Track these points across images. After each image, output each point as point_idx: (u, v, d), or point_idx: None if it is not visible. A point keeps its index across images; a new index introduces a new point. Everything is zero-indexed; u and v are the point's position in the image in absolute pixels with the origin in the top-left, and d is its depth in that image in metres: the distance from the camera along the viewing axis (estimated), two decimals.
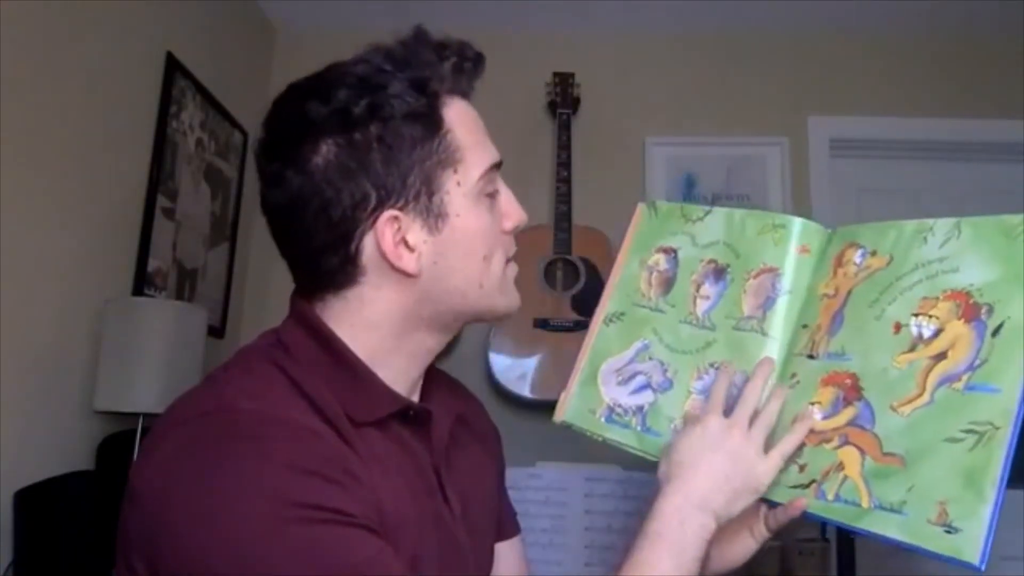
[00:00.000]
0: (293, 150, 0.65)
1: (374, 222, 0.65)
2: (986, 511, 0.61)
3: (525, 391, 2.14)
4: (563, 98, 2.37)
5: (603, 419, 0.86)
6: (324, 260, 0.66)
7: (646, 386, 0.85)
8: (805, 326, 0.79)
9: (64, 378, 1.56)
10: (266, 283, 2.35)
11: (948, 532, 0.62)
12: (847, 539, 1.23)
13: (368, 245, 0.66)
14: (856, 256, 0.79)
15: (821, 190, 2.40)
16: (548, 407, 0.93)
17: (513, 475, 1.39)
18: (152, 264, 1.82)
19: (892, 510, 0.66)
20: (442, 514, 0.70)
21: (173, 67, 1.91)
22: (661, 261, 0.90)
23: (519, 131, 2.44)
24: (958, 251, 0.72)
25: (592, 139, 2.42)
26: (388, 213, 0.65)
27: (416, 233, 0.66)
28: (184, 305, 1.82)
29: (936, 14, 2.38)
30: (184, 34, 1.97)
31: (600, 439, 0.86)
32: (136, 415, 1.52)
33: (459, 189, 0.68)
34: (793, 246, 0.82)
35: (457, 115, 0.69)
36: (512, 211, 0.73)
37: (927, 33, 2.46)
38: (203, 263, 2.09)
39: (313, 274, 0.68)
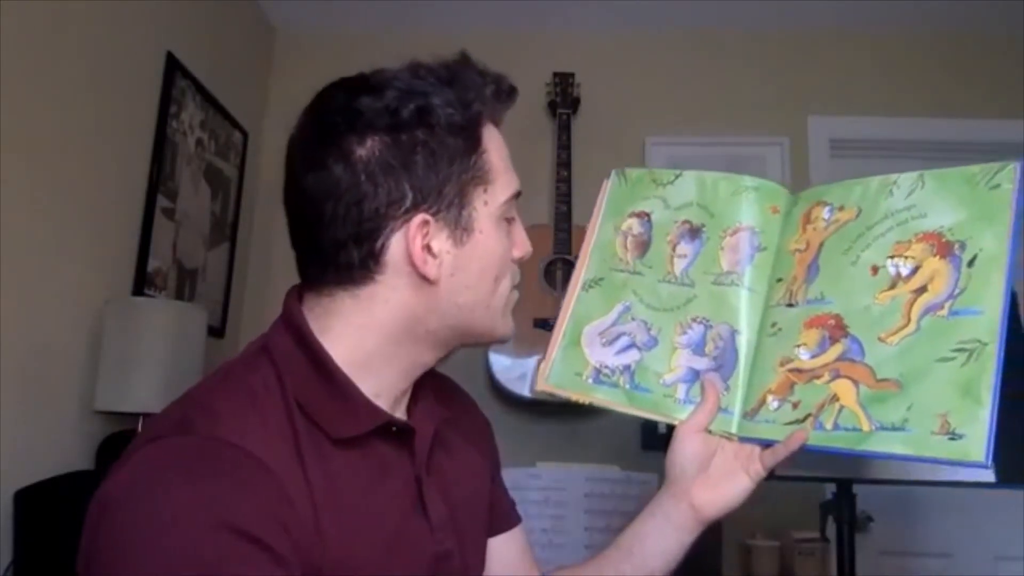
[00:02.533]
0: (339, 139, 0.66)
1: (405, 223, 0.66)
2: (985, 414, 0.65)
3: (525, 391, 2.13)
4: (563, 98, 2.37)
5: (590, 380, 0.87)
6: (345, 253, 0.66)
7: (631, 346, 0.87)
8: (780, 280, 0.82)
9: (64, 378, 1.56)
10: (266, 283, 2.35)
11: (952, 439, 0.66)
12: (847, 539, 1.23)
13: (394, 245, 0.67)
14: (824, 212, 0.82)
15: None
16: (548, 407, 0.93)
17: (513, 475, 1.39)
18: (152, 264, 1.82)
19: (894, 428, 0.69)
20: (422, 529, 0.69)
21: (173, 67, 1.91)
22: (635, 225, 0.92)
23: (519, 131, 2.42)
24: (924, 199, 0.76)
25: (592, 139, 2.42)
26: (421, 216, 0.66)
27: (442, 242, 0.68)
28: (184, 305, 1.82)
29: (937, 14, 2.38)
30: (184, 34, 1.97)
31: (586, 402, 0.87)
32: (136, 415, 1.52)
33: (485, 208, 0.70)
34: (765, 206, 0.86)
35: (492, 139, 0.71)
36: (523, 242, 0.75)
37: (927, 33, 2.46)
38: (203, 263, 2.09)
39: (329, 267, 0.68)
